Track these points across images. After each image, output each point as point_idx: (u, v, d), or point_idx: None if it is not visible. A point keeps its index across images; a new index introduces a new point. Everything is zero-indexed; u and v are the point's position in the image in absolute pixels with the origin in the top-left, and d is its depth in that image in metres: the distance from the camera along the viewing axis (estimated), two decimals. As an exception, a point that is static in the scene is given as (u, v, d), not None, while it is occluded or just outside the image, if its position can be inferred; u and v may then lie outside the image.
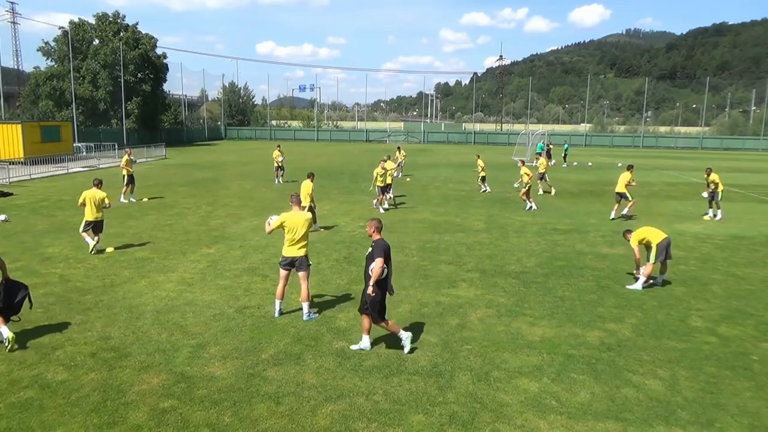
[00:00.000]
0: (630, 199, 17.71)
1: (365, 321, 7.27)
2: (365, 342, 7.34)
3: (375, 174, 18.73)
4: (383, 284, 7.14)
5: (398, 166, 28.16)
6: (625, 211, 17.82)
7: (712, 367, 7.07)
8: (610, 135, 77.17)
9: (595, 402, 6.14)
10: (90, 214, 12.30)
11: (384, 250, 7.09)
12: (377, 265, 6.95)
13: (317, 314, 8.55)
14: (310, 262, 8.63)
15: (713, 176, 17.83)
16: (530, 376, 6.72)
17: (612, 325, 8.44)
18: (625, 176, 17.60)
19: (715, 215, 17.99)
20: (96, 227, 12.43)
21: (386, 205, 18.90)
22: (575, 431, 5.57)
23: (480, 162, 24.65)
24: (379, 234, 7.35)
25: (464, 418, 5.75)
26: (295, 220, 8.31)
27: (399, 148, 32.40)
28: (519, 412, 5.90)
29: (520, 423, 5.68)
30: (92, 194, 12.37)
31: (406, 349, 7.24)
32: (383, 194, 18.77)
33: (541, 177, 23.73)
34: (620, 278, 10.88)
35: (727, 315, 8.97)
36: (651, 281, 10.37)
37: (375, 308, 7.11)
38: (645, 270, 10.25)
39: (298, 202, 8.59)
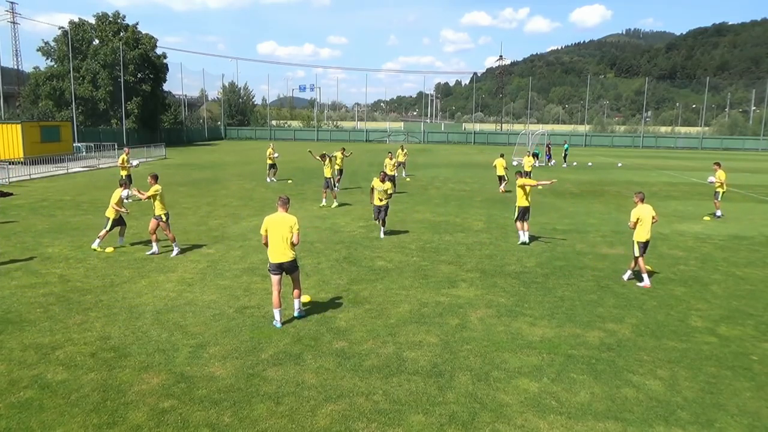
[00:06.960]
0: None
1: None
2: None
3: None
4: None
5: (399, 165, 28.05)
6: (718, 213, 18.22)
7: (712, 367, 7.07)
8: (610, 135, 77.21)
9: (595, 402, 6.13)
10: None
11: None
12: None
13: (304, 313, 8.53)
14: (300, 265, 8.39)
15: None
16: (530, 376, 6.72)
17: (612, 325, 8.44)
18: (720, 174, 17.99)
19: None
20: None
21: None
22: (575, 431, 5.57)
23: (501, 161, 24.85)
24: None
25: (464, 418, 5.75)
26: (279, 222, 8.02)
27: (402, 146, 32.22)
28: (519, 412, 5.89)
29: (520, 423, 5.68)
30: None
31: None
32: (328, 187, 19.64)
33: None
34: (620, 278, 10.88)
35: (727, 315, 8.97)
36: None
37: None
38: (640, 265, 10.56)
39: (284, 205, 8.25)
